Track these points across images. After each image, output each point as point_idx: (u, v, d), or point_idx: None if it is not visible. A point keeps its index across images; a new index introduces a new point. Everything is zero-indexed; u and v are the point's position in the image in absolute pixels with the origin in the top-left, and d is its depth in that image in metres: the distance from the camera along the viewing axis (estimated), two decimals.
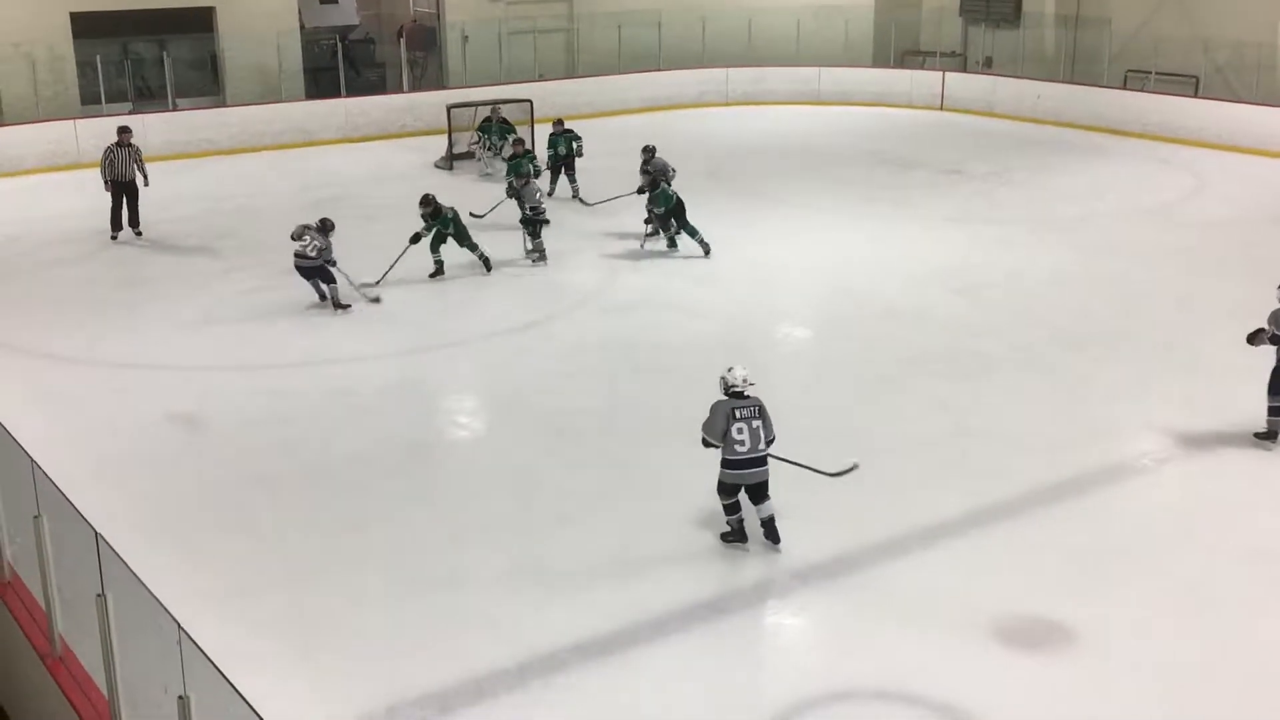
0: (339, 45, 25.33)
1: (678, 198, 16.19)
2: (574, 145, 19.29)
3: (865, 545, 8.99)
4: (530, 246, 16.11)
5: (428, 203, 15.33)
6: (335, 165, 22.25)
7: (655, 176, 16.65)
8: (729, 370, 8.88)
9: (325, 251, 14.25)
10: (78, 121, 21.99)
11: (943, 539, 9.08)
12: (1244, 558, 8.79)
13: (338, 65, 25.01)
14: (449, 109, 22.13)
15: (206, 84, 25.08)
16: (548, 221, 16.22)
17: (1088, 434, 10.84)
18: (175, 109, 23.54)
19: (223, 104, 24.24)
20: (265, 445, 10.83)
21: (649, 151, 18.11)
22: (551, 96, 24.30)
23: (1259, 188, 20.12)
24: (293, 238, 14.13)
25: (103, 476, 10.09)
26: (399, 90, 26.54)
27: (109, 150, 17.18)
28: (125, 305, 14.76)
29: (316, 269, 14.31)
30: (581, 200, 19.06)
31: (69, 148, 21.59)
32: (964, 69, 28.74)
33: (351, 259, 16.08)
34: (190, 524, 9.44)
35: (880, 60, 29.67)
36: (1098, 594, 8.34)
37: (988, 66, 28.62)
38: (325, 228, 14.41)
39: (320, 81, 25.86)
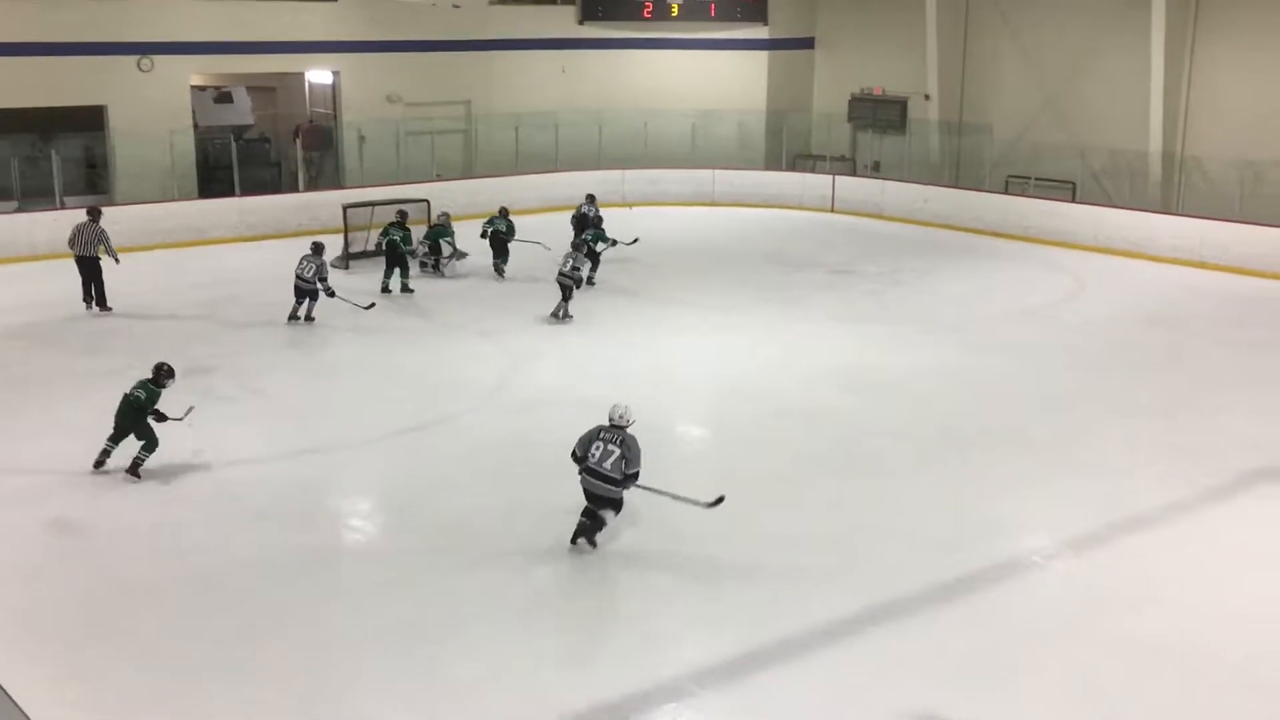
0: (233, 144, 25.18)
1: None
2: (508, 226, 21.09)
3: (763, 645, 8.98)
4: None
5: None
6: (230, 264, 21.98)
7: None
8: (613, 407, 10.47)
9: (321, 270, 17.12)
10: None
11: (839, 638, 9.12)
12: (1133, 652, 8.96)
13: (232, 164, 24.85)
14: (345, 208, 22.06)
15: (96, 182, 24.74)
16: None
17: (978, 532, 11.02)
18: (63, 207, 23.12)
19: (112, 202, 23.89)
20: (147, 552, 10.52)
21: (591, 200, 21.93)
22: (449, 196, 24.37)
23: (1135, 289, 20.89)
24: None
25: None
26: (294, 189, 26.44)
27: (76, 227, 18.21)
28: (2, 406, 14.31)
29: (310, 291, 17.20)
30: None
31: None
32: (853, 172, 29.56)
33: (245, 357, 15.90)
34: (66, 635, 9.11)
35: (773, 163, 30.38)
36: (991, 691, 8.42)
37: (876, 170, 29.48)
38: (318, 249, 17.35)
39: (214, 180, 25.65)
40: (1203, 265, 22.30)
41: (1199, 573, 10.24)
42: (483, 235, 21.08)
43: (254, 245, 23.62)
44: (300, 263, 17.39)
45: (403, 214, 20.36)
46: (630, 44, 30.50)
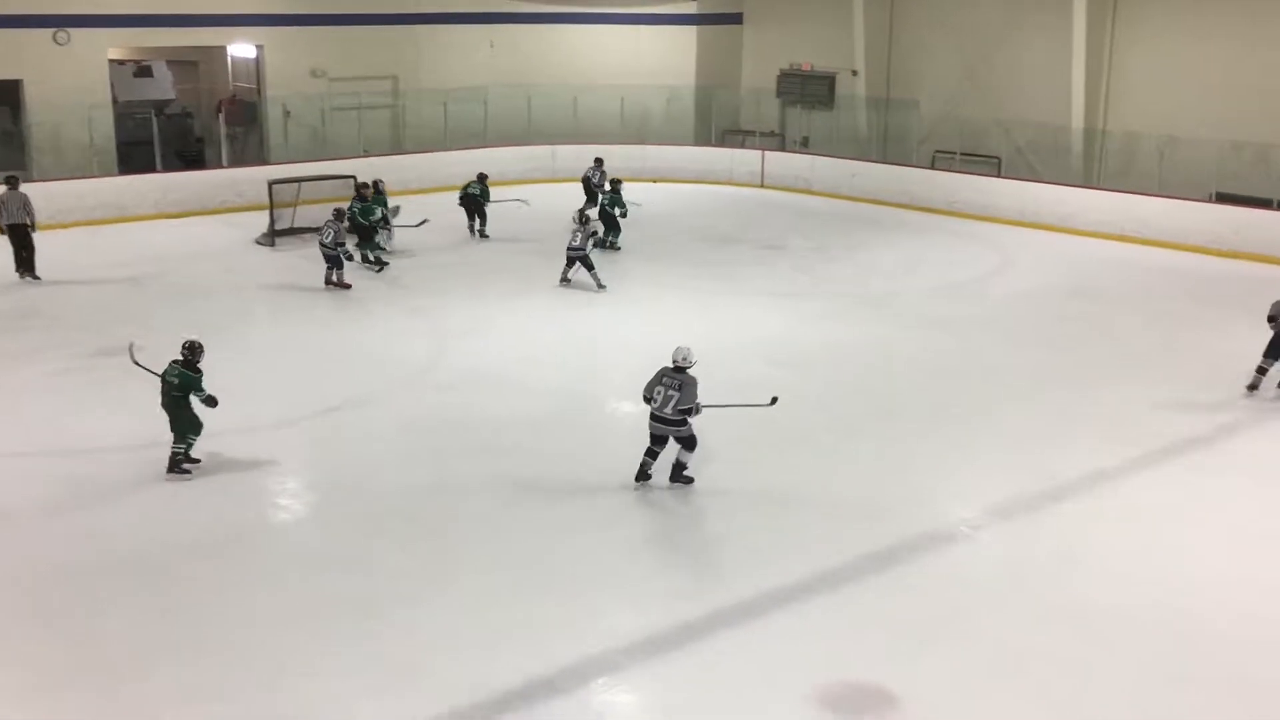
0: (154, 119, 24.70)
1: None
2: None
3: (693, 617, 9.04)
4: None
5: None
6: (152, 242, 21.57)
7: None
8: (676, 348, 11.15)
9: (338, 235, 17.75)
10: None
11: (769, 610, 9.20)
12: (1059, 619, 9.14)
13: (153, 140, 24.37)
14: (271, 184, 21.76)
15: (12, 159, 24.15)
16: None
17: (906, 502, 11.17)
18: None
19: (29, 179, 23.32)
20: (73, 534, 10.34)
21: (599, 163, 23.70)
22: (377, 172, 24.06)
23: (1059, 262, 21.23)
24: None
25: None
26: (218, 165, 26.02)
27: (1, 197, 18.26)
28: None
29: (333, 256, 17.79)
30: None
31: None
32: (782, 148, 29.69)
33: (168, 338, 15.66)
34: None
35: (702, 138, 30.43)
36: (920, 659, 8.56)
37: (804, 146, 29.63)
38: (339, 215, 18.07)
39: (135, 156, 25.17)
40: (1124, 239, 22.72)
41: (1120, 540, 10.46)
42: (460, 203, 21.88)
43: (178, 222, 23.21)
44: (321, 229, 18.19)
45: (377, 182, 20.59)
46: (559, 18, 30.35)
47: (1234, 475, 11.82)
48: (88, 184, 23.24)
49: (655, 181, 26.66)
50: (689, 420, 11.01)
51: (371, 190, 20.27)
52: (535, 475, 11.65)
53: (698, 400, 10.94)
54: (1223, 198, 22.27)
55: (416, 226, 18.95)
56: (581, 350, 15.73)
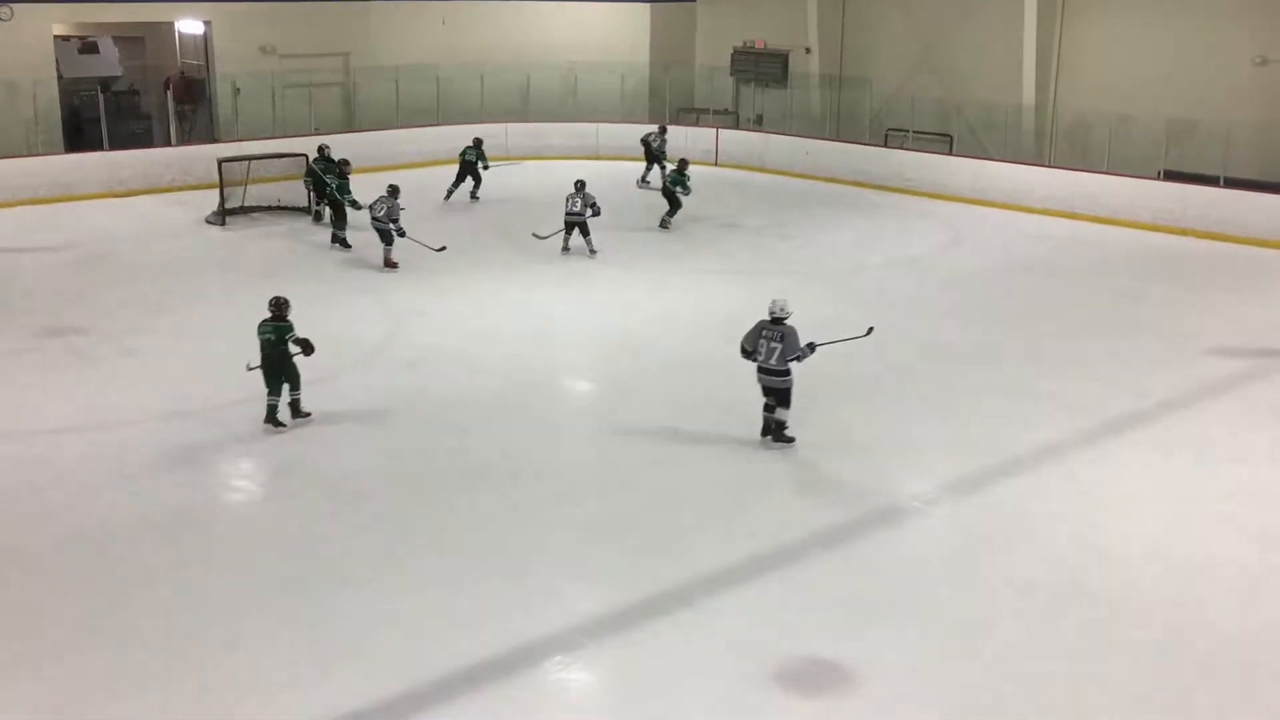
0: (100, 96, 24.31)
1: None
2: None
3: (649, 596, 9.06)
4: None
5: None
6: (99, 221, 21.28)
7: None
8: (772, 301, 11.60)
9: (392, 211, 17.71)
10: None
11: (725, 587, 9.23)
12: (1010, 592, 9.25)
13: (100, 117, 23.99)
14: (220, 162, 21.49)
15: None
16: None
17: (861, 478, 11.25)
18: None
19: None
20: (19, 516, 10.21)
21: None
22: (328, 150, 23.90)
23: (1010, 239, 21.38)
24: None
25: None
26: (166, 143, 25.65)
27: None
28: None
29: (384, 231, 17.75)
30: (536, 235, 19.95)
31: None
32: (736, 126, 29.68)
33: (116, 319, 15.48)
34: None
35: (656, 116, 30.31)
36: (875, 634, 8.63)
37: (758, 124, 29.63)
38: (394, 191, 18.06)
39: (81, 134, 24.77)
40: (1074, 215, 22.92)
41: (1070, 515, 10.58)
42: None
43: (125, 201, 22.90)
44: (374, 204, 18.03)
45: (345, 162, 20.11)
46: None
47: (1182, 452, 11.97)
48: (33, 162, 22.87)
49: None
50: (791, 371, 11.47)
51: (351, 168, 20.01)
52: (489, 455, 11.62)
53: (803, 346, 11.40)
54: (1170, 175, 22.50)
55: (437, 251, 18.37)
56: (536, 330, 15.68)
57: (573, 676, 8.28)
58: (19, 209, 21.67)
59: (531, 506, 10.54)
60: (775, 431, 11.72)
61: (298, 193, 21.77)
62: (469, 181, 23.19)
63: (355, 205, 19.22)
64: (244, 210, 21.48)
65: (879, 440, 12.22)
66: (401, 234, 17.98)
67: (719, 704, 7.78)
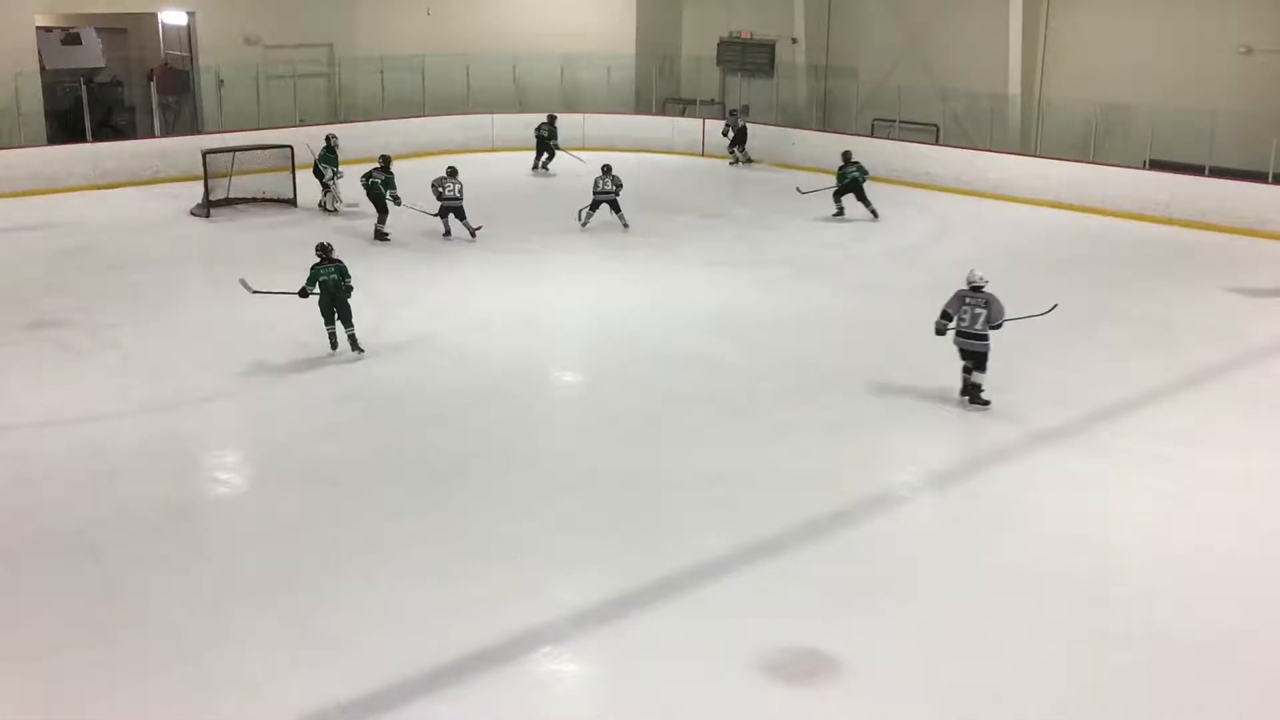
0: (84, 88, 24.18)
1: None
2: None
3: (637, 587, 9.04)
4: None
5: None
6: (83, 214, 21.15)
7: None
8: (970, 271, 12.66)
9: (461, 192, 19.18)
10: None
11: (713, 576, 9.22)
12: (999, 582, 9.25)
13: (82, 109, 23.85)
14: (204, 154, 21.39)
15: None
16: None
17: (848, 468, 11.24)
18: None
19: None
20: (1, 511, 10.12)
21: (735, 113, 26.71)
22: (313, 141, 23.74)
23: (995, 229, 21.40)
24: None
25: None
26: (150, 135, 25.51)
27: None
28: None
29: (455, 208, 19.12)
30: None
31: None
32: (723, 116, 29.59)
33: (100, 311, 15.40)
34: None
35: (643, 107, 30.29)
36: (862, 623, 8.62)
37: (745, 114, 29.54)
38: (454, 172, 19.54)
39: (64, 126, 24.61)
40: (1059, 205, 22.95)
41: (1054, 504, 10.59)
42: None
43: (108, 194, 22.77)
44: (444, 185, 19.33)
45: (385, 158, 20.14)
46: None
47: (1164, 442, 11.98)
48: (15, 154, 22.72)
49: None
50: (990, 336, 12.23)
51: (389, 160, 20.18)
52: (477, 446, 11.59)
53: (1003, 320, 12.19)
54: (1155, 164, 22.53)
55: (473, 230, 19.46)
56: (522, 320, 15.63)
57: (562, 667, 8.25)
58: (1, 201, 21.52)
59: (520, 497, 10.51)
60: (972, 393, 12.47)
61: (283, 185, 21.68)
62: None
63: (397, 201, 19.42)
64: (228, 202, 21.39)
65: (865, 429, 12.22)
66: (397, 203, 19.32)
67: (709, 693, 7.76)
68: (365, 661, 8.02)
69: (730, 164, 26.79)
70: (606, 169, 20.73)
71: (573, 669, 8.27)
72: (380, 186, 19.37)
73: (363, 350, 13.83)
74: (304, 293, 13.64)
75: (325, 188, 21.31)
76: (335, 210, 21.10)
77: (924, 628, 8.61)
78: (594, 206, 20.45)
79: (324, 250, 13.81)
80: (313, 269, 13.66)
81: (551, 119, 26.13)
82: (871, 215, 21.52)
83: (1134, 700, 7.88)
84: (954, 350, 14.91)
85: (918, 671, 8.08)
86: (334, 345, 13.87)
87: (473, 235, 19.41)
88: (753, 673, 7.98)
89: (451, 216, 19.41)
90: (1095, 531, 10.06)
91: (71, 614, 8.60)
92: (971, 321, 12.31)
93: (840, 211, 21.74)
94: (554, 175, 25.48)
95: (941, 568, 9.49)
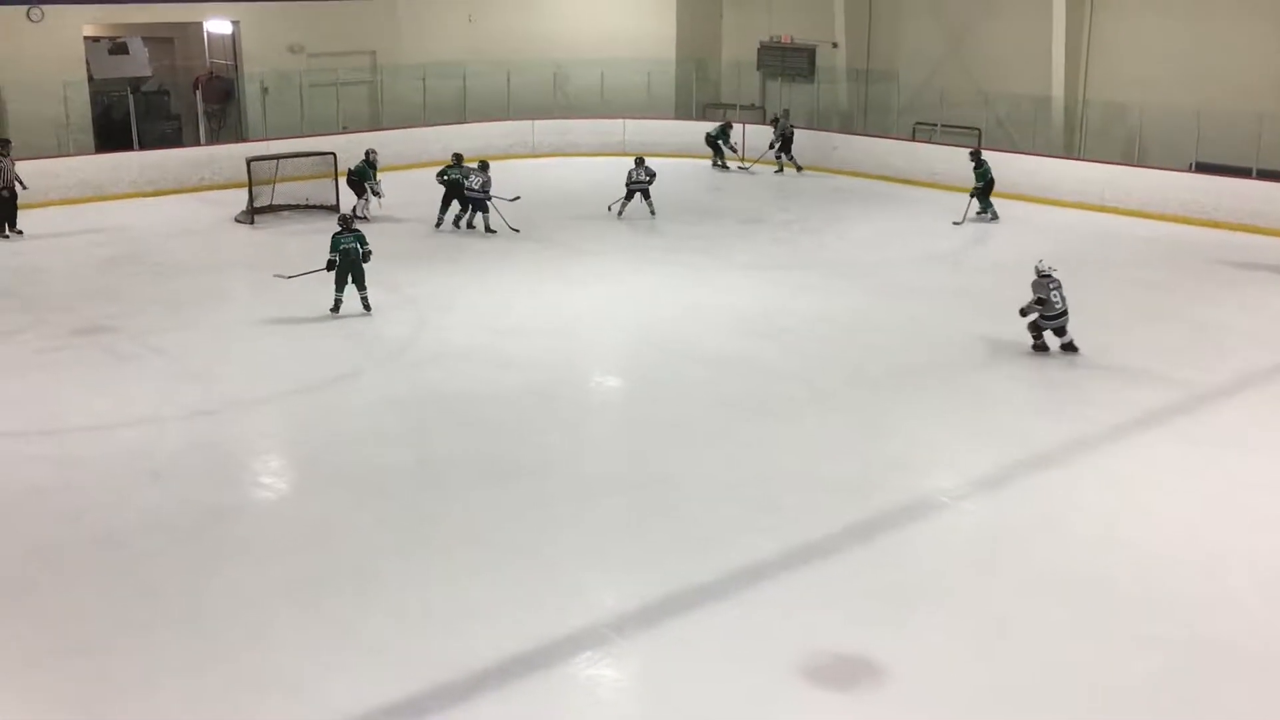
0: (130, 96, 24.51)
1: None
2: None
3: (679, 591, 9.03)
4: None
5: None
6: (130, 220, 21.44)
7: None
8: (1039, 261, 14.36)
9: (486, 185, 19.95)
10: None
11: (753, 581, 9.20)
12: (1039, 586, 9.17)
13: (130, 117, 24.18)
14: (249, 161, 21.60)
15: None
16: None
17: (888, 473, 11.18)
18: None
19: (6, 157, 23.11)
20: (50, 514, 10.27)
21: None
22: (355, 149, 23.92)
23: (1037, 233, 21.18)
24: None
25: None
26: (196, 143, 25.82)
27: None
28: None
29: (480, 201, 19.94)
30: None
31: None
32: (763, 121, 29.57)
33: (146, 317, 15.59)
34: None
35: (682, 112, 30.30)
36: (904, 629, 8.58)
37: (786, 118, 29.46)
38: (485, 166, 20.26)
39: (112, 134, 24.96)
40: (1103, 209, 22.74)
41: (1098, 509, 10.49)
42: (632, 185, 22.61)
43: (155, 201, 23.07)
44: (470, 177, 20.16)
45: (457, 155, 21.04)
46: None
47: (1210, 445, 11.85)
48: (64, 162, 23.06)
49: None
50: None
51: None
52: (516, 450, 11.63)
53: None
54: (1202, 167, 22.28)
55: (510, 200, 20.26)
56: (562, 324, 15.68)
57: (602, 672, 8.25)
58: (51, 209, 21.85)
59: (559, 502, 10.54)
60: (1069, 344, 14.24)
61: (326, 191, 21.87)
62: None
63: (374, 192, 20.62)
64: (272, 209, 21.60)
65: (906, 434, 12.15)
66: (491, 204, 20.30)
67: (748, 698, 7.74)
68: (406, 664, 8.07)
69: (775, 172, 26.58)
70: (639, 160, 21.86)
71: (613, 673, 8.27)
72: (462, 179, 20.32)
73: (370, 310, 15.45)
74: (330, 264, 15.09)
75: (363, 193, 21.31)
76: (366, 218, 21.10)
77: (964, 634, 8.55)
78: (628, 196, 21.53)
79: (344, 221, 15.48)
80: (334, 237, 15.26)
81: (725, 125, 26.98)
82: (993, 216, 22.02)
83: (1175, 705, 7.80)
84: (991, 352, 14.86)
85: (958, 676, 8.03)
86: (336, 309, 15.35)
87: (502, 227, 20.15)
88: (793, 677, 7.95)
89: (479, 212, 20.35)
90: (1138, 536, 9.96)
91: (116, 614, 8.71)
92: (1064, 303, 13.99)
93: (990, 215, 22.00)
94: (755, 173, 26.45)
95: (982, 572, 9.43)
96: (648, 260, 19.01)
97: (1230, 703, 7.83)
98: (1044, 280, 14.01)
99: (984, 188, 21.75)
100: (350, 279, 15.32)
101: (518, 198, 20.50)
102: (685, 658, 8.22)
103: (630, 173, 21.63)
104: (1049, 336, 14.23)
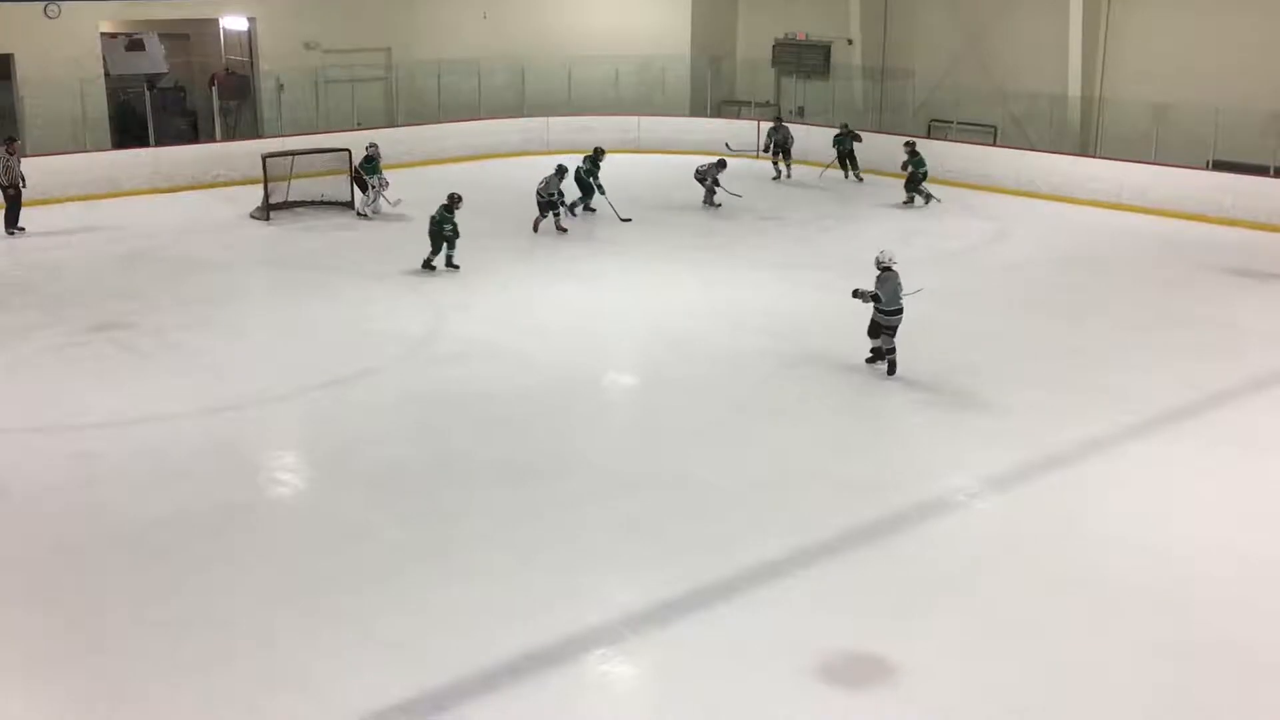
0: (147, 93, 24.57)
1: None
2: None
3: (693, 589, 9.04)
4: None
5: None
6: (146, 216, 21.51)
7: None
8: (880, 252, 13.87)
9: (550, 186, 20.10)
10: None
11: (769, 580, 9.21)
12: (1055, 586, 9.16)
13: (146, 113, 24.24)
14: (264, 158, 21.64)
15: (5, 133, 23.97)
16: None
17: (902, 472, 11.17)
18: None
19: (22, 153, 23.18)
20: (68, 511, 10.33)
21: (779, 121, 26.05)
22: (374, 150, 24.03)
23: (1053, 231, 21.18)
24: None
25: None
26: (211, 139, 25.89)
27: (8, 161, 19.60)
28: None
29: (548, 204, 20.14)
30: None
31: None
32: (778, 118, 29.50)
33: (162, 313, 15.63)
34: None
35: (697, 109, 30.28)
36: (919, 629, 8.57)
37: (800, 116, 29.46)
38: (561, 172, 20.34)
39: (128, 130, 25.04)
40: (1120, 207, 22.67)
41: (1115, 509, 10.47)
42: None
43: (170, 197, 23.14)
44: (545, 182, 20.25)
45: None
46: None
47: (1228, 445, 11.82)
48: (80, 158, 23.16)
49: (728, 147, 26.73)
50: None
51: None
52: (533, 449, 11.65)
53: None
54: (1220, 165, 22.20)
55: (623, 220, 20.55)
56: (581, 322, 15.69)
57: (616, 670, 8.27)
58: (67, 205, 21.94)
59: (576, 501, 10.55)
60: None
61: (340, 188, 21.92)
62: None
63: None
64: (288, 205, 21.66)
65: (921, 433, 12.15)
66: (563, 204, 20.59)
67: (762, 697, 7.75)
68: (419, 662, 8.09)
69: (773, 178, 25.85)
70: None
71: (627, 671, 8.28)
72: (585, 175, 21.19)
73: (458, 267, 17.47)
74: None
75: (366, 189, 21.33)
76: (365, 215, 21.24)
77: (982, 633, 8.55)
78: (706, 183, 22.21)
79: (449, 199, 17.39)
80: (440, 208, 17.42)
81: (845, 129, 25.59)
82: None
83: (1192, 709, 7.78)
84: (1005, 351, 14.82)
85: (975, 678, 8.02)
86: (426, 266, 17.56)
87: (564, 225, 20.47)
88: (808, 677, 7.96)
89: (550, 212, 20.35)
90: (1155, 537, 9.94)
91: (134, 611, 8.75)
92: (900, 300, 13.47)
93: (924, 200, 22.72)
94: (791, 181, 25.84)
95: (999, 573, 9.41)
96: (666, 259, 18.99)
97: (1249, 708, 7.81)
98: (887, 274, 13.57)
99: (919, 176, 22.66)
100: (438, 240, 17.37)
101: (629, 219, 21.04)
102: (700, 656, 8.23)
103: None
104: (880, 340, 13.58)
